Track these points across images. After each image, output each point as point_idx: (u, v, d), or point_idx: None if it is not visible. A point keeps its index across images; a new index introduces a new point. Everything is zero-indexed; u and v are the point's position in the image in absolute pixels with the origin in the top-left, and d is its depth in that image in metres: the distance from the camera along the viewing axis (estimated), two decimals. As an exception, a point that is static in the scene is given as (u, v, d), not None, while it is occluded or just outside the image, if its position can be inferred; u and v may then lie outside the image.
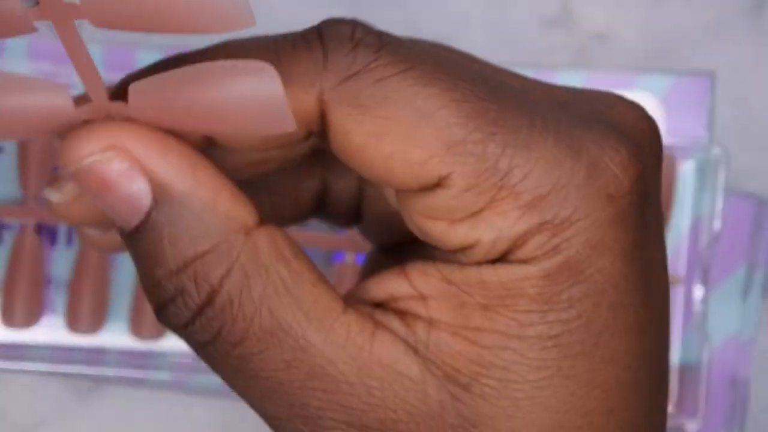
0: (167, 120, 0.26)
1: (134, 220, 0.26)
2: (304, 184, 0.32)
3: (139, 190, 0.26)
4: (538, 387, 0.26)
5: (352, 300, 0.28)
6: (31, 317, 0.47)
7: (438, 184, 0.26)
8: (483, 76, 0.27)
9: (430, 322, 0.27)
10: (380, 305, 0.28)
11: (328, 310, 0.26)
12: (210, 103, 0.25)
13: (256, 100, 0.25)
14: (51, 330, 0.48)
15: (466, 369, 0.26)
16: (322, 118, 0.27)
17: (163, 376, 0.48)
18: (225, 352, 0.26)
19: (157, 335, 0.48)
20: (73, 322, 0.47)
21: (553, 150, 0.26)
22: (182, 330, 0.27)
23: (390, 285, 0.28)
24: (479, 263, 0.27)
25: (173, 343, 0.48)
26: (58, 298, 0.48)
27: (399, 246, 0.33)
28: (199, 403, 0.50)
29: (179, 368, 0.48)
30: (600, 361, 0.26)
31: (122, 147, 0.26)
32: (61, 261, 0.48)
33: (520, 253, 0.26)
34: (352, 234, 0.48)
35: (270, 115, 0.25)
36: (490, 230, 0.26)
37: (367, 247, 0.48)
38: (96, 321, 0.48)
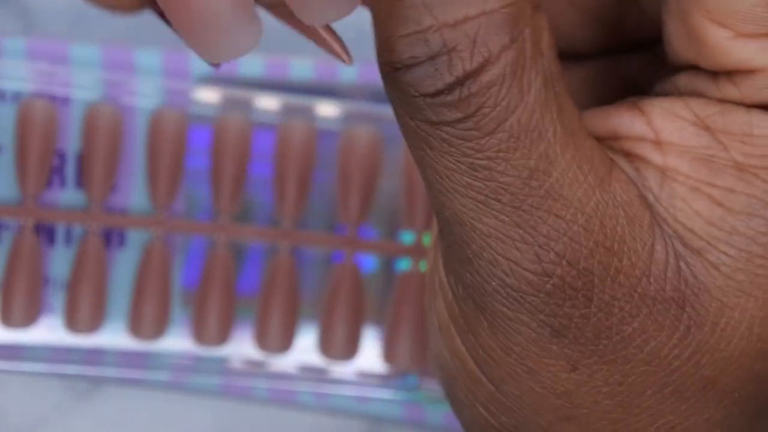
0: None
1: None
2: None
3: None
4: None
5: None
6: (29, 317, 0.47)
7: None
8: None
9: (665, 172, 0.23)
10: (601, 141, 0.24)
11: (579, 127, 0.22)
12: None
13: None
14: (49, 330, 0.48)
15: (702, 231, 0.23)
16: None
17: (162, 376, 0.48)
18: (469, 138, 0.22)
19: (156, 335, 0.48)
20: (72, 322, 0.47)
21: None
22: (427, 98, 0.22)
23: (619, 121, 0.24)
24: (749, 105, 0.23)
25: (172, 344, 0.48)
26: (57, 298, 0.48)
27: (602, 54, 0.28)
28: (198, 403, 0.50)
29: (178, 369, 0.48)
30: None
31: None
32: (60, 261, 0.48)
33: None
34: (352, 234, 0.48)
35: None
36: None
37: (369, 247, 0.48)
38: (95, 321, 0.47)
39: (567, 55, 0.27)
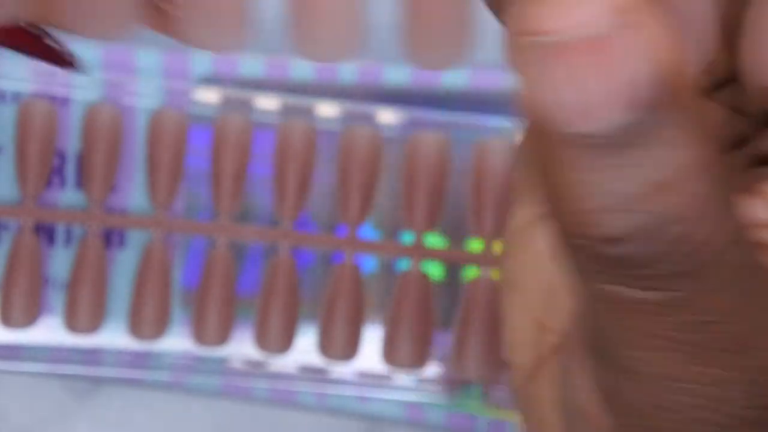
0: None
1: (622, 116, 0.17)
2: None
3: (643, 75, 0.17)
4: None
5: None
6: (29, 317, 0.47)
7: None
8: None
9: None
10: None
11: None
12: None
13: None
14: (49, 330, 0.48)
15: None
16: None
17: (162, 376, 0.48)
18: (670, 314, 0.19)
19: (156, 335, 0.48)
20: (72, 323, 0.47)
21: None
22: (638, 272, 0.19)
23: (744, 207, 0.21)
24: None
25: (172, 344, 0.48)
26: (57, 299, 0.48)
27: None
28: (198, 403, 0.50)
29: (178, 369, 0.48)
30: None
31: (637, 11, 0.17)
32: (60, 261, 0.48)
33: None
34: (352, 234, 0.48)
35: None
36: None
37: (369, 247, 0.48)
38: (94, 321, 0.47)
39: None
